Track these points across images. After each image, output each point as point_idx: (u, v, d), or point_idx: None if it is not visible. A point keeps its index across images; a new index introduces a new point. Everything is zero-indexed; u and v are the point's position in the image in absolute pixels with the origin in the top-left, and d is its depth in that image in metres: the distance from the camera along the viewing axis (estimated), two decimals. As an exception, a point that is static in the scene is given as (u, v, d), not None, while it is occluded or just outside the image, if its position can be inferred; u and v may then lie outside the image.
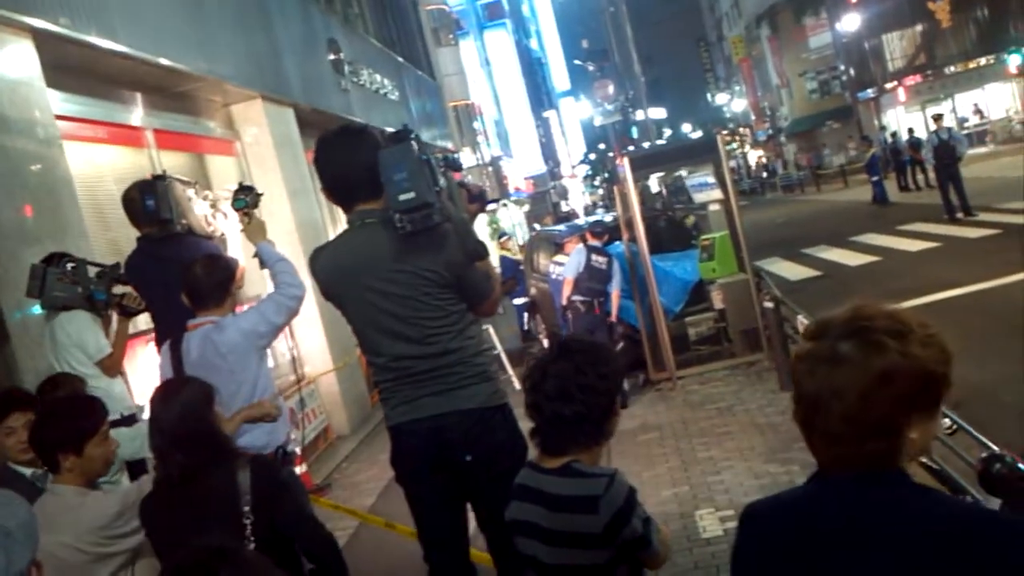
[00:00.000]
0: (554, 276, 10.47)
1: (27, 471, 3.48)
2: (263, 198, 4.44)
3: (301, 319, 9.47)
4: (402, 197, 2.96)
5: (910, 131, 26.73)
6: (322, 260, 3.33)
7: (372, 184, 3.09)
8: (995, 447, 3.42)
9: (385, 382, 3.28)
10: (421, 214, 2.98)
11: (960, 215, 16.91)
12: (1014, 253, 12.16)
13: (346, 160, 3.19)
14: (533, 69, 60.06)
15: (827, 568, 1.46)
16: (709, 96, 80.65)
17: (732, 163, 45.75)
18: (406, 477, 3.33)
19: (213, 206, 4.73)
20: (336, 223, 11.20)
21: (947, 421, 4.25)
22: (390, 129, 3.29)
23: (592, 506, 2.20)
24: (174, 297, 3.99)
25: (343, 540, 6.42)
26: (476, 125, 32.92)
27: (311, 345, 10.01)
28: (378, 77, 16.27)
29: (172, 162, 8.17)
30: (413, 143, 3.02)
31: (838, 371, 1.45)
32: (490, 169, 31.28)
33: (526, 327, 14.92)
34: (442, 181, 3.13)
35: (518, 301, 14.85)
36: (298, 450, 7.31)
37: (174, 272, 4.00)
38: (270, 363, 6.99)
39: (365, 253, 3.17)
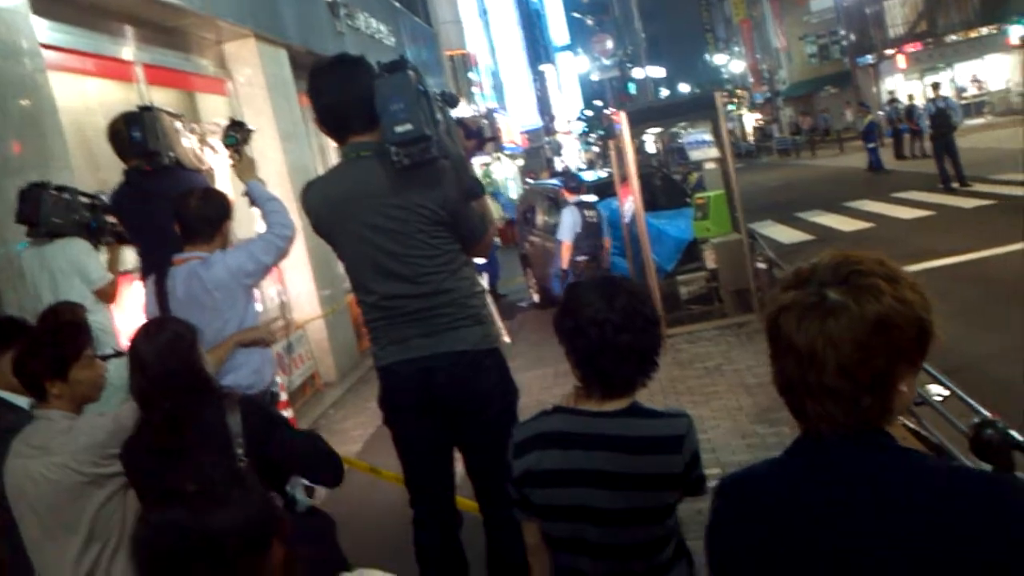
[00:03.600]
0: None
1: (22, 400, 3.37)
2: (253, 138, 4.32)
3: (290, 263, 9.38)
4: (398, 129, 2.87)
5: (910, 98, 26.59)
6: (313, 193, 3.23)
7: (367, 115, 2.99)
8: (987, 413, 3.39)
9: (375, 321, 3.20)
10: (418, 147, 2.89)
11: (955, 185, 16.85)
12: (1007, 224, 12.14)
13: (341, 89, 3.09)
14: (531, 21, 59.30)
15: (827, 540, 1.37)
16: (708, 56, 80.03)
17: (729, 125, 45.46)
18: (394, 418, 3.27)
19: (201, 140, 4.61)
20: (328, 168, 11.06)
21: (940, 388, 4.24)
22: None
23: (676, 446, 2.16)
24: (161, 231, 3.89)
25: (326, 486, 6.41)
26: (472, 76, 32.53)
27: (299, 290, 9.93)
28: (374, 22, 16.01)
29: (162, 98, 8.00)
30: (411, 73, 2.92)
31: (832, 319, 1.33)
32: (485, 121, 31.00)
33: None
34: (439, 116, 3.03)
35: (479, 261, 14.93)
36: (283, 395, 7.28)
37: (161, 206, 3.90)
38: (258, 307, 6.92)
39: (359, 187, 3.08)
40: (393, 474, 4.23)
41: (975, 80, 39.30)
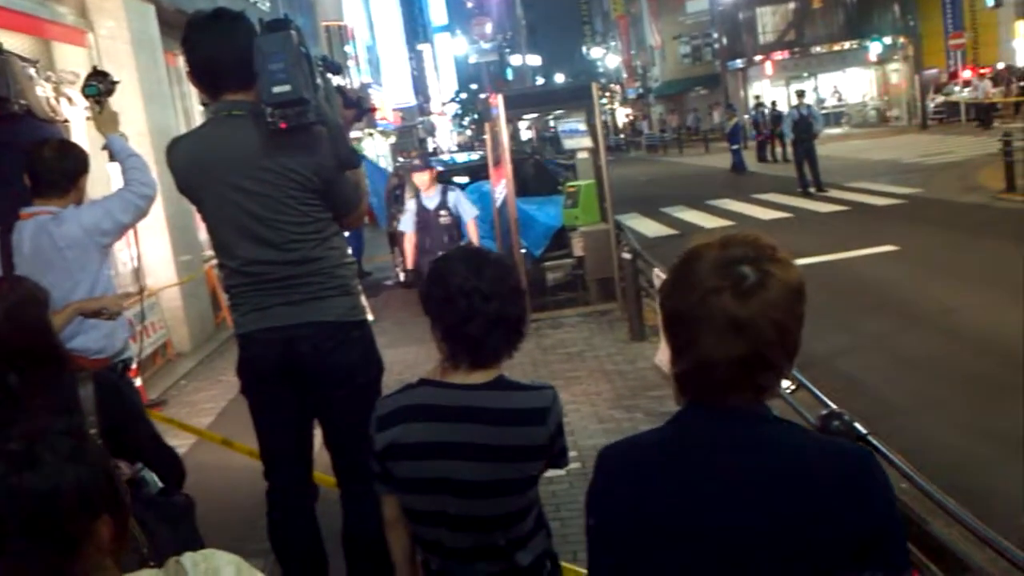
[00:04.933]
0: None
1: None
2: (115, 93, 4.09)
3: (145, 227, 8.97)
4: (276, 89, 2.77)
5: (773, 104, 27.60)
6: (180, 150, 3.09)
7: (244, 73, 2.88)
8: (834, 405, 3.55)
9: (237, 287, 3.10)
10: (295, 110, 2.80)
11: (812, 190, 17.61)
12: (858, 230, 12.79)
13: (218, 44, 2.97)
14: (411, -1, 58.83)
15: (709, 510, 1.42)
16: (584, 49, 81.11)
17: (602, 118, 46.40)
18: (253, 387, 3.17)
19: (57, 90, 4.34)
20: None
21: (788, 381, 4.42)
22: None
23: (541, 417, 2.19)
24: (5, 182, 3.66)
25: (175, 458, 6.19)
26: (348, 49, 31.99)
27: (155, 256, 9.54)
28: (249, -16, 15.54)
29: (13, 44, 7.52)
30: (293, 33, 2.83)
31: (765, 292, 1.39)
32: (362, 95, 30.48)
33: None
34: (319, 81, 2.95)
35: None
36: (135, 363, 6.99)
37: (8, 155, 3.67)
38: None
39: (230, 146, 2.97)
40: (246, 447, 4.10)
41: (836, 91, 41.18)
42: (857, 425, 3.15)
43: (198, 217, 3.20)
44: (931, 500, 2.79)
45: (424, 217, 9.21)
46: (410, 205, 9.37)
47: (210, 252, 10.43)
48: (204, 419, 7.09)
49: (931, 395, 6.25)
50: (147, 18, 10.01)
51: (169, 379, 8.68)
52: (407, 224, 9.35)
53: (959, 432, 5.59)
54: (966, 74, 32.36)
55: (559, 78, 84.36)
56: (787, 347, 1.43)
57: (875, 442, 3.12)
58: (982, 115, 28.35)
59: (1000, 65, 32.96)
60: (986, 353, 6.82)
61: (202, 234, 10.02)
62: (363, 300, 3.31)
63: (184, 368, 9.10)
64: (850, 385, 6.26)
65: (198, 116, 11.46)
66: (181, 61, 3.10)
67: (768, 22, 43.09)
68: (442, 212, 9.26)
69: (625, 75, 64.03)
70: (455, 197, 9.30)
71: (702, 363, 1.44)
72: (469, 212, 9.27)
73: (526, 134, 33.52)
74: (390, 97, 43.12)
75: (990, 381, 6.23)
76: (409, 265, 9.26)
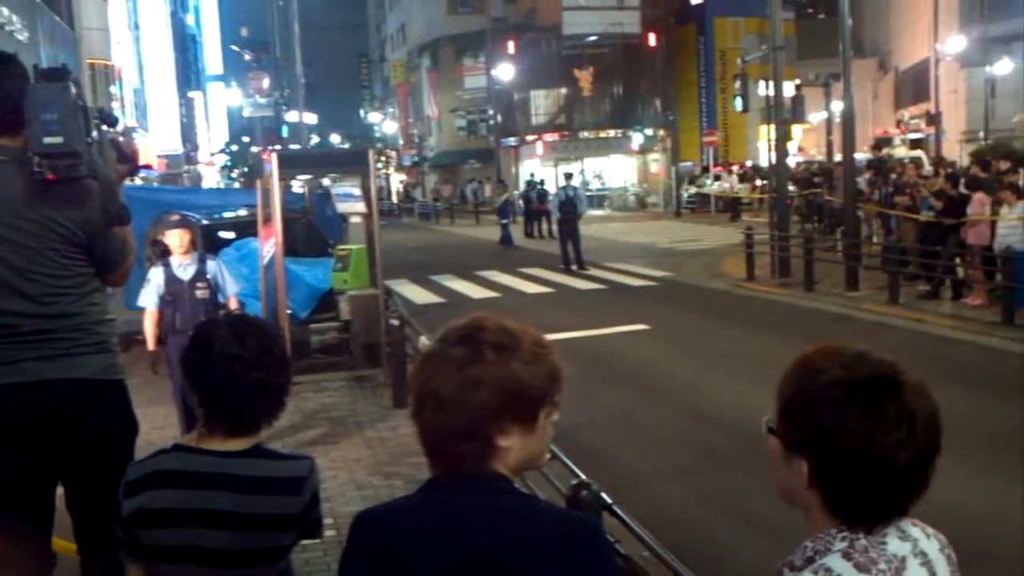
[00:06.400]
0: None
1: None
2: None
3: None
4: (48, 140, 2.68)
5: (541, 183, 28.85)
6: None
7: (10, 118, 2.77)
8: (583, 476, 3.73)
9: None
10: (65, 163, 2.71)
11: (574, 267, 18.45)
12: (614, 308, 13.50)
13: None
14: (185, 45, 57.00)
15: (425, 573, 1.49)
16: (362, 112, 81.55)
17: (377, 183, 46.54)
18: None
19: None
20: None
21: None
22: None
23: (297, 487, 2.18)
24: None
25: None
26: (113, 90, 30.58)
27: None
28: (5, 10, 14.59)
29: None
30: (71, 84, 2.75)
31: (439, 373, 1.50)
32: (122, 139, 29.10)
33: None
34: (94, 133, 2.86)
35: None
36: None
37: None
38: None
39: None
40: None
41: (599, 175, 43.61)
42: (603, 495, 3.34)
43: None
44: (666, 566, 2.98)
45: (176, 289, 7.16)
46: (155, 275, 7.17)
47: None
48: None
49: (673, 467, 6.66)
50: None
51: None
52: (148, 299, 7.11)
53: (696, 502, 5.99)
54: (716, 169, 35.22)
55: (335, 138, 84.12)
56: (454, 430, 1.50)
57: (619, 512, 3.32)
58: (730, 207, 30.80)
59: (748, 163, 36.16)
60: (722, 429, 7.35)
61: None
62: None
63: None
64: (599, 456, 6.55)
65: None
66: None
67: (541, 104, 45.15)
68: (199, 284, 7.30)
69: (402, 142, 64.74)
70: (215, 267, 7.47)
71: (420, 431, 1.55)
72: (231, 287, 7.57)
73: (299, 191, 33.12)
74: (155, 143, 41.43)
75: (725, 456, 6.72)
76: (151, 347, 7.26)
